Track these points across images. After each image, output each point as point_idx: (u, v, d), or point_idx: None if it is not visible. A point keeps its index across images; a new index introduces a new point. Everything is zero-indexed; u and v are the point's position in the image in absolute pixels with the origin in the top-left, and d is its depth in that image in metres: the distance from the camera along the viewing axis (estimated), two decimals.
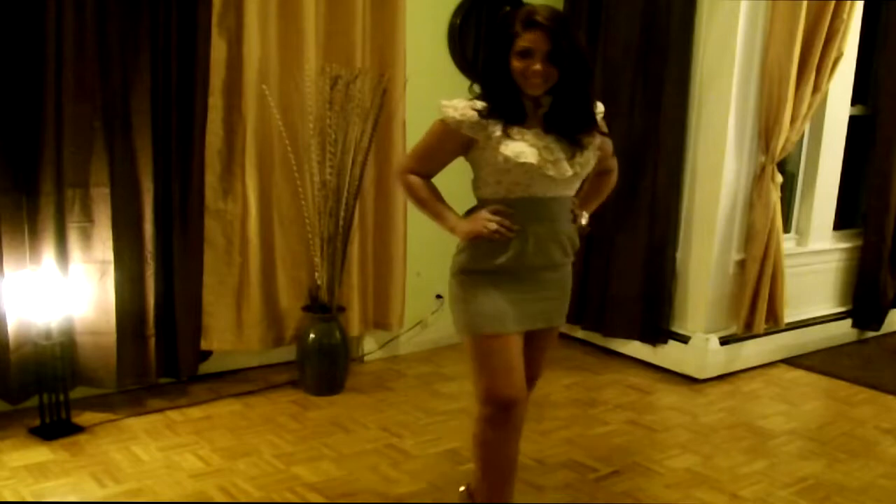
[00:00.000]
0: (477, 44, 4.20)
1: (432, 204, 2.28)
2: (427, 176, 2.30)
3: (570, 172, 2.16)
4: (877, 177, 4.68)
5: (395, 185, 2.39)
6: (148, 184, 3.28)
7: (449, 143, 2.19)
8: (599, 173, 2.44)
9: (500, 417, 2.23)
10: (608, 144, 2.40)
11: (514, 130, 2.13)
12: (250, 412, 3.41)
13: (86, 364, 3.28)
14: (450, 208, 2.28)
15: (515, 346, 2.23)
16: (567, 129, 2.16)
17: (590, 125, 2.20)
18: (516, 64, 2.08)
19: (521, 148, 2.12)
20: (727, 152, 3.87)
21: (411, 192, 2.30)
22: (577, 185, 2.27)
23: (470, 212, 2.28)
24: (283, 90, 3.54)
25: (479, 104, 2.13)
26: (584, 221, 2.34)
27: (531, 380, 2.34)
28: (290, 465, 2.93)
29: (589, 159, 2.21)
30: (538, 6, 2.10)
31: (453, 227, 2.25)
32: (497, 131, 2.13)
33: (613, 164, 2.50)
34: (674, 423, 3.50)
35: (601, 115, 2.28)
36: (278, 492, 2.74)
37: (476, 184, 2.27)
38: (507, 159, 2.12)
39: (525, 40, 2.06)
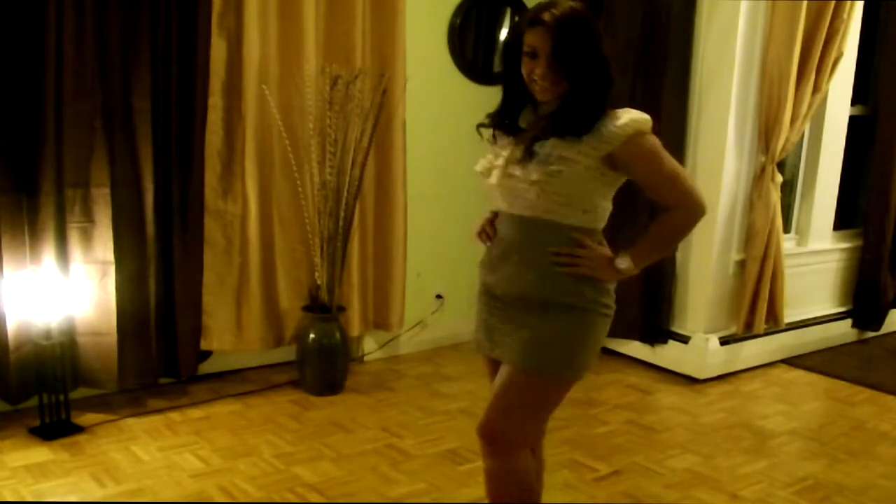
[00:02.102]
0: (477, 44, 4.20)
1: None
2: None
3: (496, 180, 1.93)
4: (877, 177, 4.68)
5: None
6: (148, 184, 3.29)
7: None
8: (664, 209, 1.99)
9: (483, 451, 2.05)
10: (656, 167, 1.91)
11: (505, 140, 1.97)
12: (250, 412, 3.41)
13: (86, 364, 3.28)
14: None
15: (491, 373, 2.09)
16: (564, 132, 1.88)
17: (577, 131, 1.86)
18: (524, 66, 1.87)
19: (489, 157, 2.00)
20: (727, 152, 3.87)
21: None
22: (556, 205, 1.89)
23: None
24: (283, 90, 3.54)
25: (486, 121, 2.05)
26: (622, 265, 1.95)
27: (483, 426, 2.01)
28: (290, 465, 2.93)
29: (529, 174, 1.87)
30: (550, 2, 1.85)
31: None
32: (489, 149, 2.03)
33: (676, 197, 1.97)
34: (674, 423, 3.50)
35: (620, 126, 1.86)
36: (278, 492, 2.74)
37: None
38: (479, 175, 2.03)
39: (529, 39, 1.84)
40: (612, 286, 2.04)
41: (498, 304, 2.02)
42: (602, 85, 1.87)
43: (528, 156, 1.89)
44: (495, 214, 2.07)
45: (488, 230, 2.07)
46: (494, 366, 2.08)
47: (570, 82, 1.84)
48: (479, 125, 2.06)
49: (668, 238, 2.08)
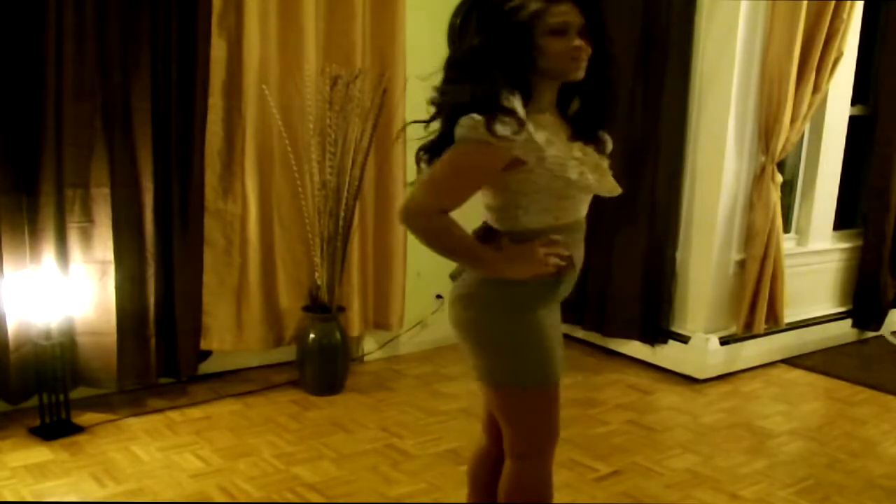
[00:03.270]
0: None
1: (472, 245, 1.81)
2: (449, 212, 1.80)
3: (618, 189, 1.84)
4: (877, 177, 4.68)
5: (411, 228, 1.81)
6: (148, 184, 3.29)
7: (493, 169, 1.72)
8: None
9: (545, 475, 1.97)
10: None
11: (560, 144, 1.75)
12: (250, 412, 3.41)
13: (86, 364, 3.28)
14: (486, 246, 1.83)
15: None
16: (593, 130, 1.83)
17: (608, 121, 1.86)
18: (556, 45, 1.69)
19: (579, 167, 1.75)
20: (727, 152, 3.87)
21: (445, 239, 1.78)
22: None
23: (488, 239, 1.86)
24: (283, 90, 3.54)
25: (518, 112, 1.68)
26: None
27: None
28: (290, 465, 2.93)
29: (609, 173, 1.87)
30: None
31: (507, 268, 1.79)
32: (551, 150, 1.71)
33: None
34: (674, 423, 3.50)
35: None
36: (278, 492, 2.74)
37: (509, 212, 1.80)
38: (569, 184, 1.74)
39: (557, 14, 1.68)
40: None
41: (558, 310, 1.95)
42: (614, 62, 1.83)
43: (605, 153, 1.86)
44: (548, 241, 1.79)
45: (562, 253, 1.79)
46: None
47: (594, 61, 1.75)
48: (519, 122, 1.69)
49: None
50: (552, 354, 1.86)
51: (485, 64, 1.70)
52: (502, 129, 1.65)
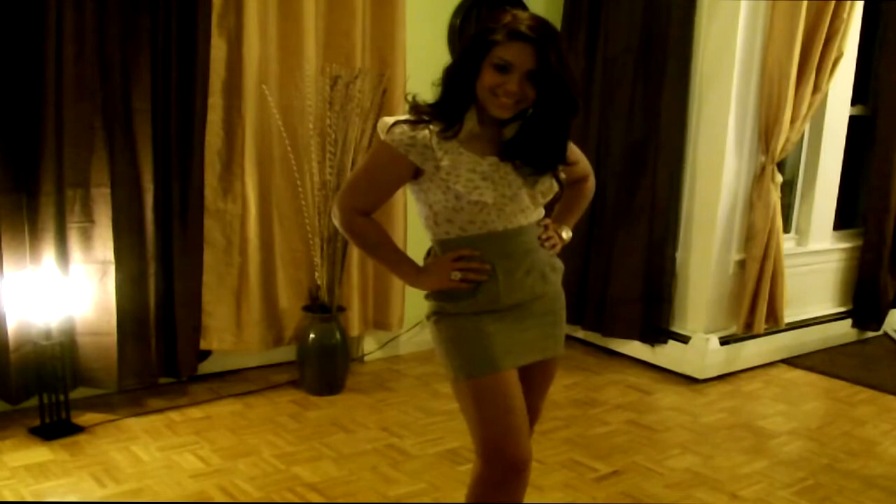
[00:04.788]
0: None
1: (386, 250, 1.96)
2: (369, 213, 1.93)
3: (531, 208, 1.89)
4: (877, 177, 4.68)
5: (335, 224, 1.95)
6: (148, 184, 3.29)
7: (396, 170, 1.84)
8: (573, 182, 2.10)
9: (508, 482, 1.91)
10: (573, 150, 2.02)
11: (462, 157, 1.81)
12: (250, 412, 3.41)
13: (86, 364, 3.28)
14: (404, 255, 1.99)
15: (514, 386, 1.91)
16: (530, 159, 1.85)
17: (559, 161, 1.89)
18: (488, 78, 1.74)
19: (475, 181, 1.80)
20: (727, 152, 3.87)
21: (360, 238, 1.94)
22: (541, 208, 1.97)
23: (430, 254, 1.99)
24: (283, 90, 3.54)
25: (433, 122, 1.82)
26: (565, 235, 2.08)
27: (535, 413, 2.07)
28: (290, 465, 2.93)
29: (552, 184, 1.91)
30: (526, 14, 1.78)
31: (414, 280, 1.94)
32: (445, 160, 1.79)
33: (585, 167, 2.15)
34: (674, 423, 3.50)
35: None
36: (278, 492, 2.74)
37: (426, 222, 1.93)
38: (458, 196, 1.80)
39: (506, 52, 1.72)
40: None
41: (508, 314, 1.91)
42: (572, 110, 1.82)
43: (541, 170, 1.88)
44: (458, 255, 1.88)
45: (475, 266, 1.86)
46: (510, 378, 1.90)
47: (540, 103, 1.78)
48: (415, 138, 1.83)
49: (585, 202, 2.23)
50: (469, 349, 1.89)
51: (449, 71, 1.85)
52: (400, 132, 1.81)
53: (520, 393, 1.92)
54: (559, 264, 2.03)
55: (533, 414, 2.03)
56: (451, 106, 1.81)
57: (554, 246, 2.01)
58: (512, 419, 1.89)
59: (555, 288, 2.01)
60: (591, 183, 2.19)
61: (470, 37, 1.82)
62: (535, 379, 2.03)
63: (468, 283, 1.86)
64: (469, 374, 1.88)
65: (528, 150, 1.84)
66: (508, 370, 1.90)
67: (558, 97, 1.77)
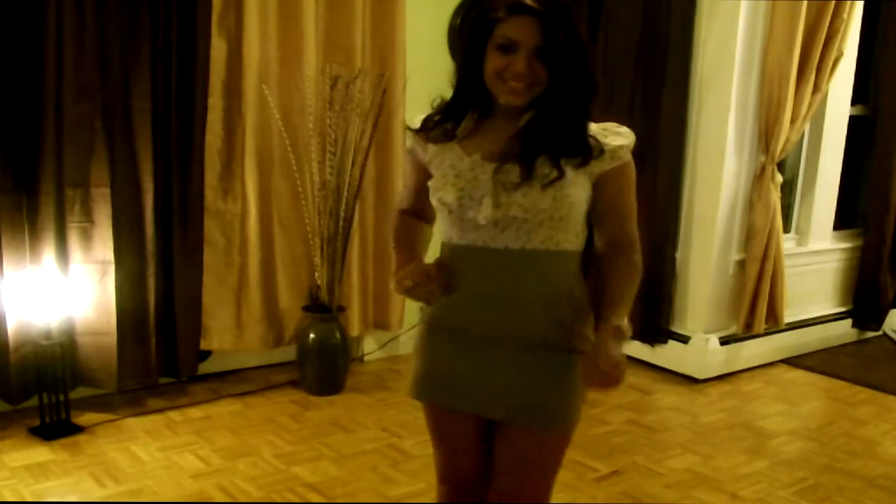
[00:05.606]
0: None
1: (396, 244, 1.81)
2: (410, 210, 1.81)
3: (490, 216, 1.57)
4: (877, 177, 4.68)
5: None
6: (148, 184, 3.29)
7: (411, 165, 1.78)
8: (607, 253, 1.67)
9: (452, 498, 1.83)
10: (624, 197, 1.64)
11: (451, 154, 1.64)
12: (250, 412, 3.41)
13: (86, 364, 3.28)
14: (405, 252, 1.79)
15: (445, 424, 1.77)
16: (546, 148, 1.57)
17: (580, 151, 1.57)
18: (493, 61, 1.54)
19: (448, 178, 1.62)
20: (727, 152, 3.87)
21: (390, 231, 1.84)
22: (543, 233, 1.59)
23: None
24: (283, 90, 3.54)
25: (434, 117, 1.69)
26: (622, 324, 1.60)
27: (499, 493, 1.78)
28: (290, 465, 2.93)
29: (537, 201, 1.55)
30: None
31: (392, 280, 1.76)
32: (430, 154, 1.67)
33: (626, 233, 1.66)
34: (674, 423, 3.50)
35: (623, 147, 1.60)
36: (278, 492, 2.74)
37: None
38: (432, 192, 1.65)
39: (509, 29, 1.51)
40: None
41: (472, 346, 1.67)
42: (590, 89, 1.58)
43: (528, 176, 1.55)
44: (433, 264, 1.70)
45: (436, 279, 1.66)
46: (451, 418, 1.75)
47: (553, 84, 1.54)
48: (411, 128, 1.74)
49: (627, 283, 1.67)
50: (417, 367, 1.76)
51: (457, 67, 1.66)
52: (411, 128, 1.72)
53: (462, 435, 1.76)
54: (574, 321, 1.64)
55: (504, 481, 1.77)
56: (457, 102, 1.65)
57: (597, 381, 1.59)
58: (441, 452, 1.82)
59: (547, 341, 1.63)
60: (635, 260, 1.67)
61: (471, 20, 1.60)
62: (500, 441, 1.73)
63: (418, 297, 1.70)
64: (408, 390, 1.79)
65: (544, 140, 1.57)
66: (434, 406, 1.76)
67: (572, 76, 1.54)
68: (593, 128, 1.61)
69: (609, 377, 1.56)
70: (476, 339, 1.67)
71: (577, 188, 1.58)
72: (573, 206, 1.59)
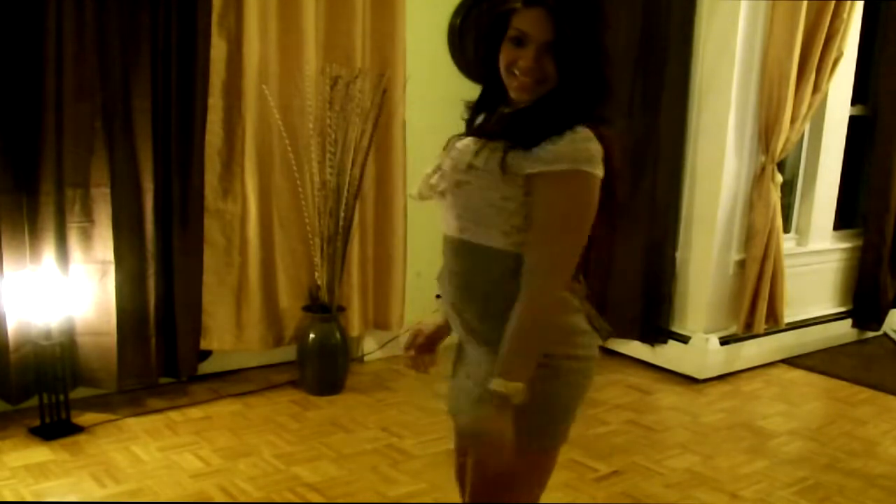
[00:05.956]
0: (477, 44, 4.20)
1: None
2: None
3: (421, 191, 1.58)
4: (877, 177, 4.69)
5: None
6: (148, 184, 3.28)
7: None
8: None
9: None
10: (545, 211, 1.45)
11: (454, 142, 1.60)
12: (250, 412, 3.41)
13: (86, 364, 3.28)
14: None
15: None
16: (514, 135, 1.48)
17: (520, 141, 1.45)
18: (505, 54, 1.49)
19: (439, 159, 1.62)
20: (727, 152, 3.87)
21: None
22: (473, 225, 1.51)
23: None
24: (283, 90, 3.54)
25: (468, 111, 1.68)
26: (499, 388, 1.41)
27: None
28: (290, 465, 2.93)
29: (465, 180, 1.49)
30: None
31: None
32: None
33: (533, 256, 1.46)
34: (674, 423, 3.50)
35: (562, 155, 1.42)
36: (278, 492, 2.74)
37: None
38: None
39: (521, 21, 1.46)
40: (575, 323, 1.57)
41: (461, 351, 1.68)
42: (599, 94, 1.49)
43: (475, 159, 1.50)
44: None
45: (414, 349, 1.80)
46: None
47: (562, 83, 1.46)
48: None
49: (520, 335, 1.45)
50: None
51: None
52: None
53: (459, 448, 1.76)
54: (486, 328, 1.52)
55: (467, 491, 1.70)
56: (484, 97, 1.60)
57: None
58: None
59: (475, 349, 1.57)
60: (526, 294, 1.45)
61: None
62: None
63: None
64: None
65: (510, 127, 1.48)
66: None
67: (582, 76, 1.45)
68: (575, 133, 1.43)
69: (478, 446, 1.48)
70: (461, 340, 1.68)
71: (492, 181, 1.46)
72: (484, 199, 1.48)
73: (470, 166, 1.49)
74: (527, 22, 1.46)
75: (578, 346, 1.56)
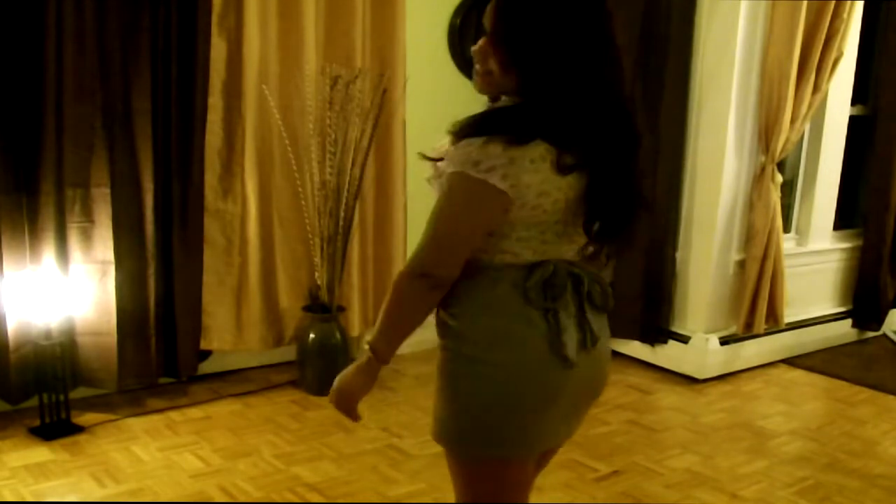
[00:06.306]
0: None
1: None
2: None
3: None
4: (877, 177, 4.68)
5: None
6: (148, 184, 3.29)
7: None
8: None
9: None
10: (432, 211, 1.43)
11: None
12: (250, 412, 3.41)
13: (86, 364, 3.28)
14: None
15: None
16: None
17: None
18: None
19: None
20: (727, 152, 3.87)
21: None
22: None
23: None
24: (283, 90, 3.54)
25: None
26: (372, 344, 1.60)
27: None
28: (290, 465, 2.93)
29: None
30: None
31: None
32: None
33: (416, 250, 1.45)
34: (674, 423, 3.50)
35: (449, 159, 1.40)
36: (278, 492, 2.74)
37: None
38: None
39: (484, 15, 1.44)
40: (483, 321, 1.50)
41: None
42: (558, 97, 1.35)
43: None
44: None
45: None
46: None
47: (522, 76, 1.36)
48: None
49: (388, 309, 1.51)
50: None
51: None
52: None
53: None
54: (451, 322, 1.52)
55: None
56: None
57: None
58: None
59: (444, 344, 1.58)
60: (400, 276, 1.46)
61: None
62: None
63: None
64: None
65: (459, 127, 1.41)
66: None
67: (532, 74, 1.35)
68: (478, 138, 1.35)
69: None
70: None
71: (434, 186, 1.46)
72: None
73: (435, 163, 1.49)
74: (486, 13, 1.42)
75: (497, 351, 1.48)
